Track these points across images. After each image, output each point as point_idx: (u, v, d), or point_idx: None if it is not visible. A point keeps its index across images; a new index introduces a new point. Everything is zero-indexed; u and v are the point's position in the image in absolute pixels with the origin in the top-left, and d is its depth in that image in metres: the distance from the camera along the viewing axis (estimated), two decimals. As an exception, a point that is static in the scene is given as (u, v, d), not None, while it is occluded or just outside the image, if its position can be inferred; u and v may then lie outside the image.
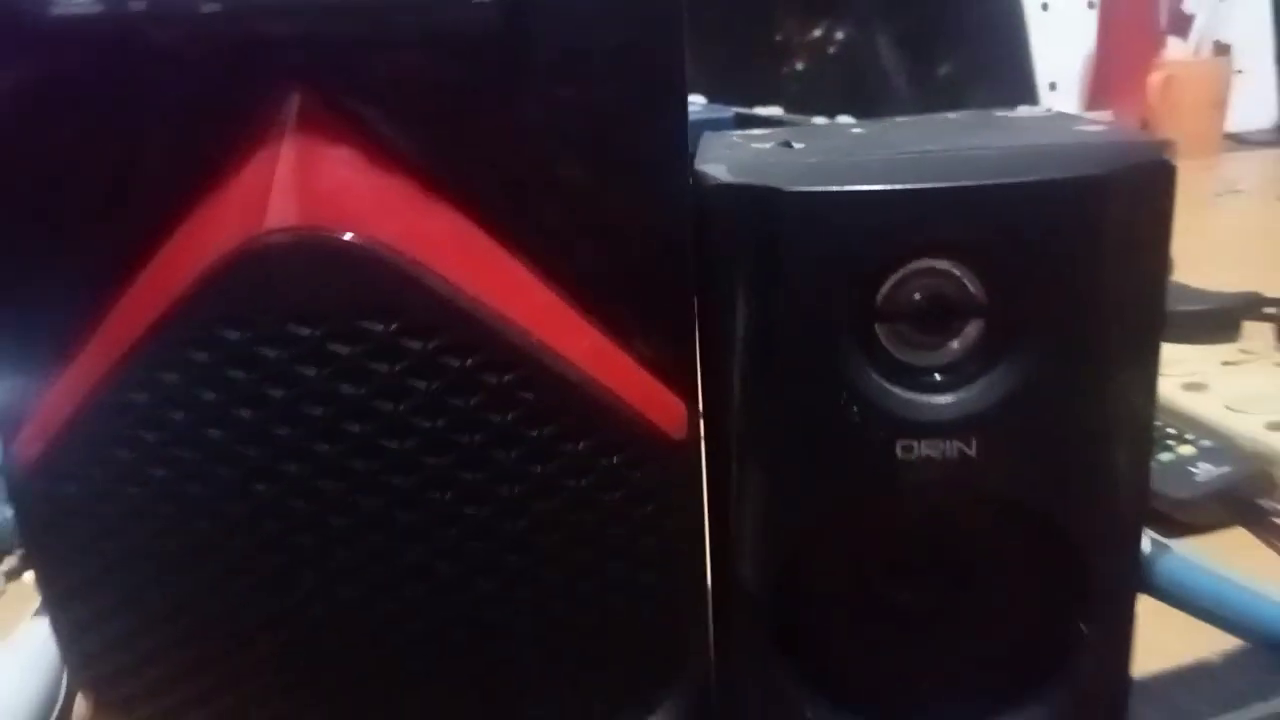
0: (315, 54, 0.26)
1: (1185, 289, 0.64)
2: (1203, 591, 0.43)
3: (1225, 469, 0.50)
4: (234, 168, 0.26)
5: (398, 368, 0.27)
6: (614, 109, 0.27)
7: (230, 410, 0.27)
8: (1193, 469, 0.49)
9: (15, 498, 0.29)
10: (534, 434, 0.28)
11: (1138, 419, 0.29)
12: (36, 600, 0.43)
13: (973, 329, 0.29)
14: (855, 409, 0.28)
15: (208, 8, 0.25)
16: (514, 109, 0.27)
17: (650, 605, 0.30)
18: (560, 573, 0.29)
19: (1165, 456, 0.50)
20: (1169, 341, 0.59)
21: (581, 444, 0.28)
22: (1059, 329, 0.28)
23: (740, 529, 0.30)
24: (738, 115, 0.92)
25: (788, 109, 1.16)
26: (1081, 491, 0.29)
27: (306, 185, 0.26)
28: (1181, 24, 1.41)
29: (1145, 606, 0.42)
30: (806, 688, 0.32)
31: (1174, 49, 1.37)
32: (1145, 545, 0.44)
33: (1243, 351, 0.60)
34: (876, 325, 0.28)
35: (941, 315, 0.28)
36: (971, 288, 0.28)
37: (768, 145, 0.31)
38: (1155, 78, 1.30)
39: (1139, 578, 0.31)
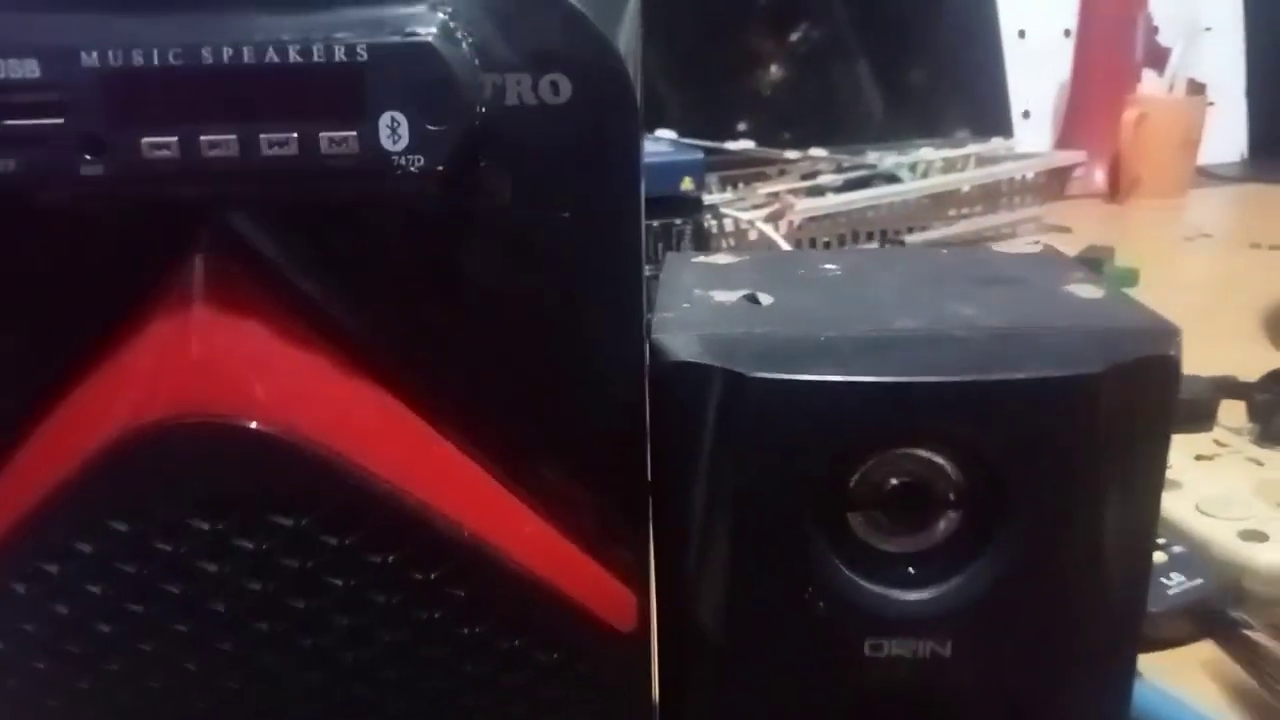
0: (224, 217, 0.23)
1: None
2: (1172, 725, 0.41)
3: (1197, 580, 0.48)
4: (130, 338, 0.23)
5: (310, 564, 0.24)
6: (562, 282, 0.24)
7: (121, 604, 0.24)
8: (1165, 580, 0.48)
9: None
10: (465, 631, 0.25)
11: (1130, 613, 0.27)
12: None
13: (951, 519, 0.26)
14: (821, 604, 0.26)
15: (89, 170, 0.22)
16: (448, 279, 0.24)
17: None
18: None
19: (1137, 565, 0.48)
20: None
21: (519, 640, 0.25)
22: (1044, 524, 0.25)
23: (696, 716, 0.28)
24: (707, 154, 0.89)
25: (759, 139, 1.13)
26: (1063, 685, 0.27)
27: (209, 363, 0.23)
28: (1158, 57, 1.40)
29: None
30: None
31: (1149, 84, 1.35)
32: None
33: (1217, 443, 0.58)
34: (849, 514, 0.26)
35: (917, 505, 0.26)
36: (951, 475, 0.26)
37: (732, 299, 0.28)
38: (1129, 115, 1.28)
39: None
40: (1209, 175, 1.48)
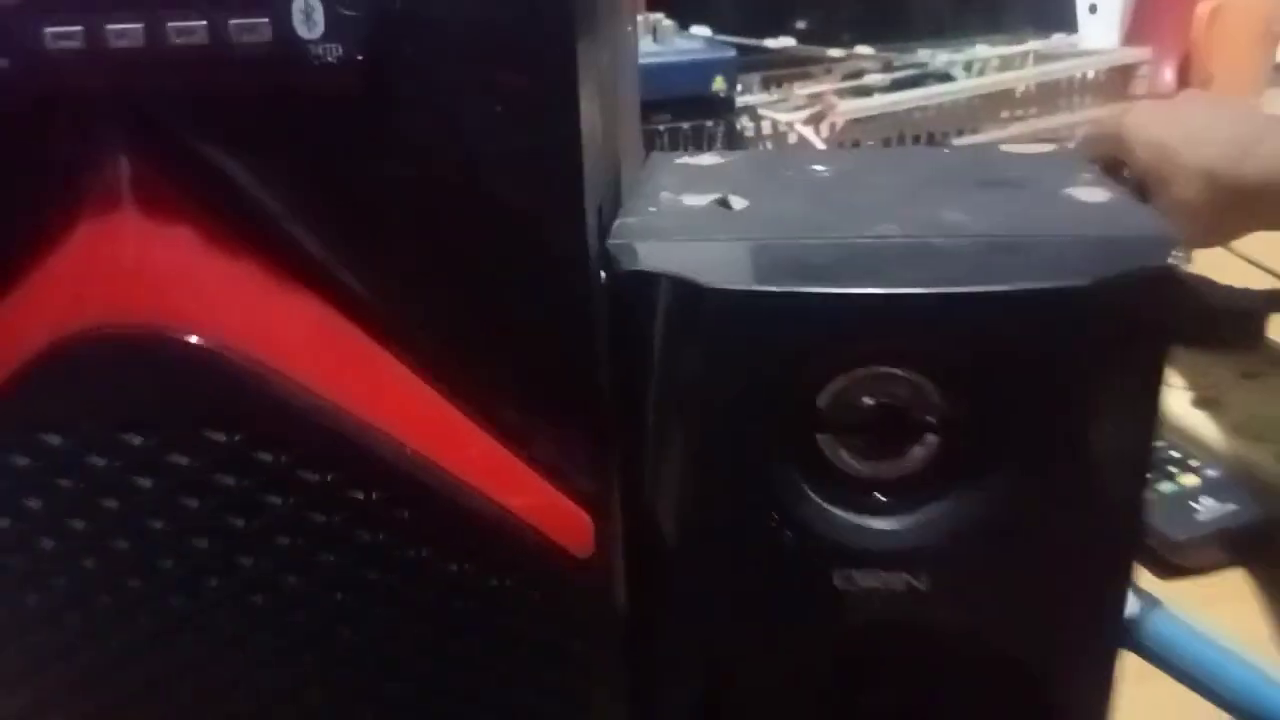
0: (144, 114, 0.21)
1: (1204, 284, 0.59)
2: (1192, 658, 0.39)
3: (1230, 506, 0.45)
4: (55, 244, 0.22)
5: (248, 482, 0.23)
6: (496, 181, 0.22)
7: (61, 520, 0.23)
8: (1194, 504, 0.45)
9: None
10: (410, 554, 0.24)
11: (1118, 551, 0.25)
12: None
13: (929, 443, 0.24)
14: (788, 532, 0.24)
15: (-10, 63, 0.20)
16: (383, 179, 0.22)
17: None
18: (450, 698, 0.26)
19: (1165, 487, 0.46)
20: (1184, 347, 0.54)
21: (467, 564, 0.24)
22: (1030, 451, 0.24)
23: (660, 651, 0.27)
24: (742, 51, 0.85)
25: (818, 38, 1.08)
26: (1047, 629, 0.26)
27: (136, 272, 0.22)
28: (1238, -56, 1.30)
29: (1128, 668, 0.39)
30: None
31: (1227, -27, 1.26)
32: (1132, 600, 0.40)
33: (1268, 361, 0.55)
34: (818, 436, 0.24)
35: (893, 428, 0.24)
36: (930, 397, 0.24)
37: (703, 203, 0.26)
38: (1204, 7, 1.20)
39: (1109, 713, 0.27)
40: (1288, 73, 1.39)
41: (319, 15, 0.20)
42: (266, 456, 0.23)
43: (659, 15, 0.82)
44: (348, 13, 0.20)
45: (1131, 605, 0.40)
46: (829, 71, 1.10)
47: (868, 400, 0.24)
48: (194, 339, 0.22)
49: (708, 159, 0.31)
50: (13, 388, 0.23)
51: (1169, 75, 1.28)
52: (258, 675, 0.25)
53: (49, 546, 0.24)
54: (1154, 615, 0.40)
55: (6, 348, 0.23)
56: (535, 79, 0.21)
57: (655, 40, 0.80)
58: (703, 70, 0.77)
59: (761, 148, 0.96)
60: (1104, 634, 0.26)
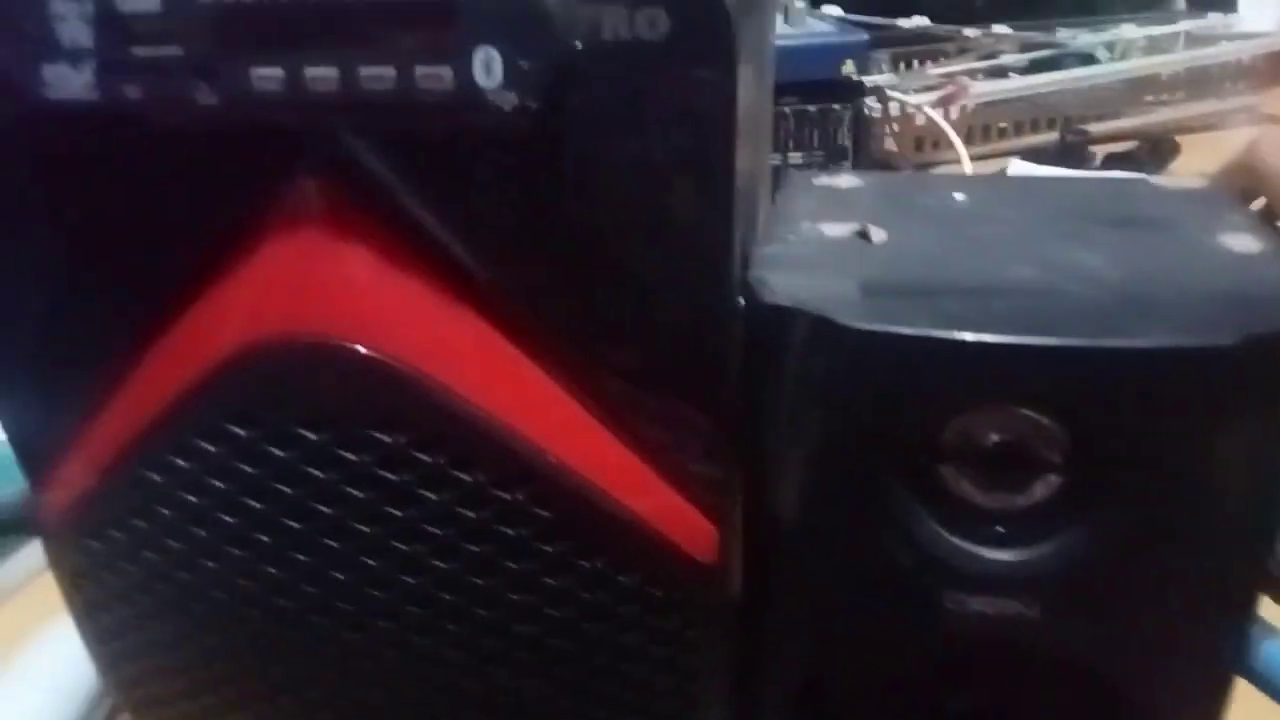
0: (333, 147, 0.23)
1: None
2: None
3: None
4: (248, 258, 0.25)
5: (408, 478, 0.25)
6: (651, 221, 0.24)
7: (241, 499, 0.26)
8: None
9: (45, 542, 0.29)
10: (547, 549, 0.26)
11: (1233, 605, 0.25)
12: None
13: (1051, 482, 0.25)
14: (905, 554, 0.26)
15: (203, 98, 0.22)
16: (544, 215, 0.24)
17: (666, 711, 0.29)
18: (573, 672, 0.28)
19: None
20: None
21: (598, 561, 0.26)
22: (1150, 501, 0.24)
23: (768, 643, 0.28)
24: (873, 30, 0.84)
25: (935, 15, 1.06)
26: (1153, 666, 0.26)
27: (318, 286, 0.24)
28: None
29: (1241, 695, 0.39)
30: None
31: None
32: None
33: None
34: (940, 465, 0.25)
35: (1016, 464, 0.25)
36: (1056, 438, 0.25)
37: (842, 233, 0.27)
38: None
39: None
40: None
41: (498, 66, 0.22)
42: (425, 457, 0.25)
43: (793, -4, 0.82)
44: (524, 64, 0.21)
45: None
46: (963, 51, 1.08)
47: (993, 436, 0.25)
48: (366, 350, 0.24)
49: (845, 180, 0.32)
50: (204, 383, 0.25)
51: (1333, 62, 1.20)
52: (403, 642, 0.27)
53: (229, 521, 0.27)
54: (1272, 643, 0.40)
55: (200, 347, 0.25)
56: (694, 130, 0.22)
57: (787, 21, 0.80)
58: (832, 54, 0.77)
59: (889, 130, 0.95)
60: (1216, 672, 0.26)
